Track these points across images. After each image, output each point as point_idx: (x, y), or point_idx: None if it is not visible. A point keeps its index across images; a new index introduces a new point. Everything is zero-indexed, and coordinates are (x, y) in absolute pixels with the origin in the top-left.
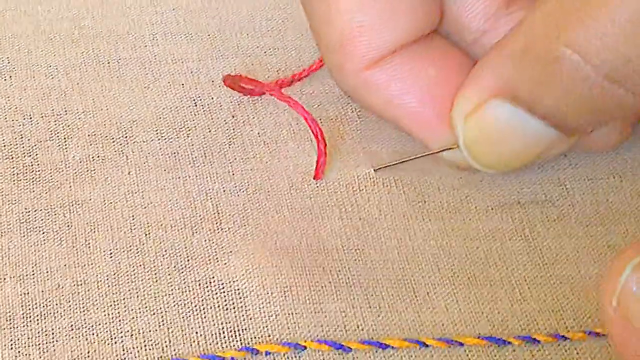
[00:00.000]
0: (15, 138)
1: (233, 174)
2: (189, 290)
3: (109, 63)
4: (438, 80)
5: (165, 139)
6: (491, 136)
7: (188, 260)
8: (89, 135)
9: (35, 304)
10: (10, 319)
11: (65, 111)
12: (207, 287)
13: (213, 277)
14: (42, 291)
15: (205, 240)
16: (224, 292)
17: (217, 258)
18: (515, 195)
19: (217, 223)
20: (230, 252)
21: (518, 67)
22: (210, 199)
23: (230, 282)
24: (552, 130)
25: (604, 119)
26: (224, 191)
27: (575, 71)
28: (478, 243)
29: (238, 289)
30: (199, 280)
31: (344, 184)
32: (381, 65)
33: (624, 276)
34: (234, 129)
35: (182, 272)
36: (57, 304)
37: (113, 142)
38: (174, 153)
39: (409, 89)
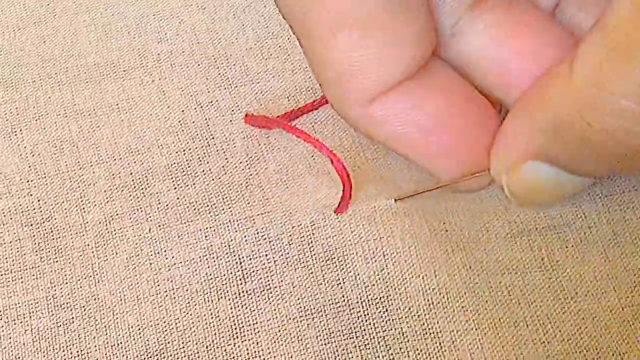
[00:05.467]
0: (33, 202)
1: (254, 220)
2: None
3: (117, 105)
4: (439, 113)
5: (181, 186)
6: (531, 189)
7: (215, 334)
8: (104, 191)
9: None
10: None
11: (80, 165)
12: None
13: (240, 356)
14: None
15: (230, 308)
16: None
17: (242, 331)
18: (533, 221)
19: (241, 284)
20: (255, 323)
21: (552, 141)
22: (233, 252)
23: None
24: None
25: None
26: (246, 241)
27: (605, 149)
28: (500, 277)
29: None
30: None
31: (365, 217)
32: (380, 99)
33: None
34: (249, 168)
35: (210, 349)
36: None
37: (130, 196)
38: (192, 202)
39: (409, 124)
